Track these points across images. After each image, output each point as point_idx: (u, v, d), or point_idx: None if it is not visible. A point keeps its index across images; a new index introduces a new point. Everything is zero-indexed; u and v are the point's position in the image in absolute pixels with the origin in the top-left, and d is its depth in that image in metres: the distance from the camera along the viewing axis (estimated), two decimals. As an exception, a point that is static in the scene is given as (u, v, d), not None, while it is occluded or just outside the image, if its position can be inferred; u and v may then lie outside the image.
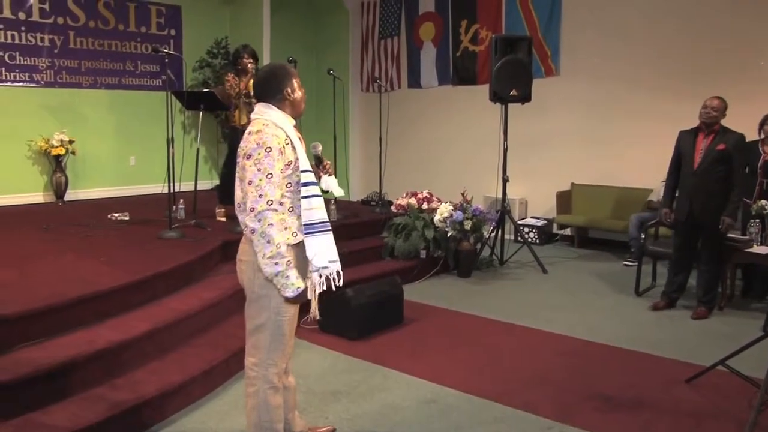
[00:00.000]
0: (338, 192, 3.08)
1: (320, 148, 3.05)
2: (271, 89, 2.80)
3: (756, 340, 3.82)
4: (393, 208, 7.42)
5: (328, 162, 3.07)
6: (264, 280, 2.71)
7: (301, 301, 2.77)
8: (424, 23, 10.31)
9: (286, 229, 2.72)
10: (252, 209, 2.60)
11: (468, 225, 6.73)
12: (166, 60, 6.01)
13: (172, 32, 9.56)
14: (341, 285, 2.87)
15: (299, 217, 2.75)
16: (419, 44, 10.38)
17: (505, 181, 7.34)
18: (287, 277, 2.64)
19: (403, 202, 7.23)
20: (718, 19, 7.42)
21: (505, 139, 7.29)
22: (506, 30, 9.16)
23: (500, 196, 7.42)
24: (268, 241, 2.59)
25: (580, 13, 8.57)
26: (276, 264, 2.61)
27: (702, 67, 7.45)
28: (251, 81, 6.26)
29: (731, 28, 7.31)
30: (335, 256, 2.82)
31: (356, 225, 7.15)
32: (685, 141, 5.58)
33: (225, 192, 6.53)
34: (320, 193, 2.80)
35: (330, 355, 4.64)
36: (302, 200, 2.72)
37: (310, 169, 2.78)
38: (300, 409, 3.63)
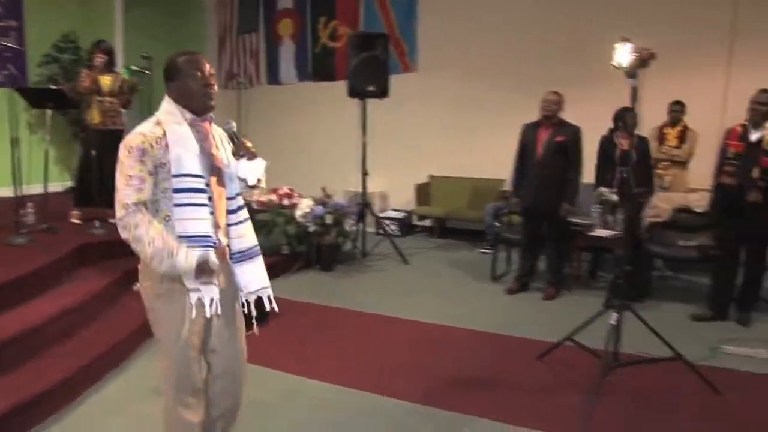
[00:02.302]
0: (253, 180, 2.61)
1: (234, 125, 2.63)
2: (165, 81, 2.52)
3: (596, 315, 4.14)
4: (254, 204, 7.35)
5: (247, 142, 2.64)
6: (150, 293, 2.49)
7: (207, 268, 2.37)
8: (283, 19, 10.29)
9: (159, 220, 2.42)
10: (119, 220, 2.35)
11: (329, 219, 6.79)
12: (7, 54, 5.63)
13: (13, 23, 8.93)
14: (215, 314, 2.50)
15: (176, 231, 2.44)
16: (278, 40, 10.35)
17: (364, 175, 7.46)
18: (176, 265, 2.33)
19: (263, 198, 7.17)
20: (565, 18, 7.92)
21: (364, 134, 7.41)
22: (364, 27, 9.33)
23: (361, 189, 7.54)
24: (140, 242, 2.32)
25: (437, 12, 8.88)
26: (161, 262, 2.33)
27: (551, 62, 7.91)
28: (103, 78, 6.01)
29: (577, 25, 7.81)
30: (210, 278, 2.44)
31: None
32: (528, 133, 5.94)
33: (80, 194, 6.22)
34: (203, 202, 2.45)
35: (195, 355, 4.54)
36: (174, 208, 2.40)
37: (194, 173, 2.42)
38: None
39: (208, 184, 2.49)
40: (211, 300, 2.46)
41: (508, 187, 7.99)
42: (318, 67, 9.97)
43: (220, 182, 2.57)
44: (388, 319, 5.39)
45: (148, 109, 6.47)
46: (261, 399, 3.76)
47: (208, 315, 2.48)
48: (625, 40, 3.71)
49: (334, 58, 9.75)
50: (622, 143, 5.91)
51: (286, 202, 7.01)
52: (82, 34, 9.18)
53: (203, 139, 2.51)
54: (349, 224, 7.22)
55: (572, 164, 5.79)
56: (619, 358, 3.91)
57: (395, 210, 9.28)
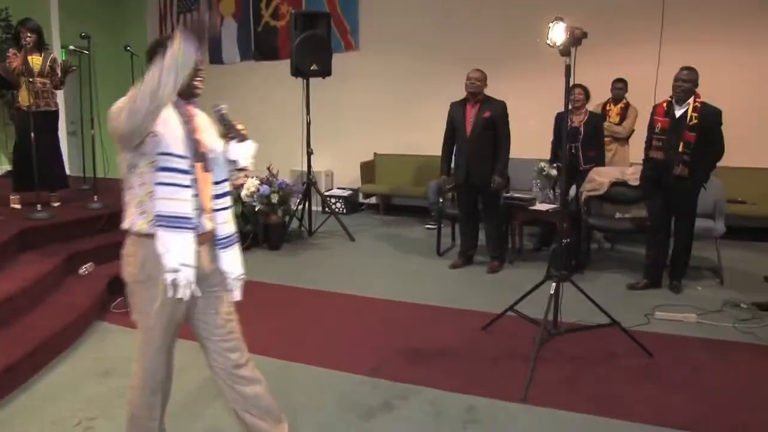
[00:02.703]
0: (245, 162, 2.57)
1: (224, 107, 2.58)
2: (149, 62, 2.36)
3: (536, 286, 4.30)
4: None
5: (238, 124, 2.59)
6: (131, 278, 2.44)
7: (197, 23, 2.18)
8: (225, -2, 10.15)
9: (142, 213, 2.36)
10: (119, 108, 2.21)
11: (275, 198, 6.83)
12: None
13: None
14: (189, 297, 2.45)
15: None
16: (220, 20, 10.21)
17: (309, 153, 7.50)
18: (178, 57, 2.14)
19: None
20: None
21: (308, 113, 7.43)
22: (306, 5, 9.32)
23: (306, 168, 7.58)
24: (141, 90, 2.16)
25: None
26: (169, 70, 2.14)
27: (490, 40, 8.07)
28: (33, 58, 5.86)
29: (515, 5, 7.96)
30: (190, 260, 2.40)
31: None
32: (456, 111, 6.09)
33: (19, 178, 6.07)
34: (186, 184, 2.38)
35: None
36: (156, 186, 2.33)
37: (178, 153, 2.36)
38: (119, 393, 3.58)
39: (192, 166, 2.43)
40: (187, 282, 2.41)
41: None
42: (261, 46, 9.91)
43: (206, 166, 2.52)
44: (335, 296, 5.48)
45: (90, 90, 6.38)
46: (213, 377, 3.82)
47: (180, 296, 2.41)
48: (558, 19, 3.83)
49: (277, 36, 9.71)
50: (573, 119, 6.10)
51: (231, 182, 7.00)
52: (15, 11, 8.89)
53: (187, 122, 2.48)
54: (294, 203, 7.26)
55: (501, 138, 5.96)
56: (559, 326, 4.09)
57: (341, 188, 9.35)
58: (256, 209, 6.78)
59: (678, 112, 5.22)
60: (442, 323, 4.79)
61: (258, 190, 6.75)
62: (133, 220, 2.39)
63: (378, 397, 3.58)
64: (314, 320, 4.90)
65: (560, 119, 6.16)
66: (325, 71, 7.36)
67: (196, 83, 2.50)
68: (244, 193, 6.75)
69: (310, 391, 3.68)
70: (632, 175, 6.08)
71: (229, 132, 2.57)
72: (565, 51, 3.84)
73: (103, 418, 3.34)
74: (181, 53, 2.15)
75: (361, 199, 9.45)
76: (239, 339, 2.78)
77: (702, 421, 3.27)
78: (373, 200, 9.42)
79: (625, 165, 6.68)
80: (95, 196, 6.26)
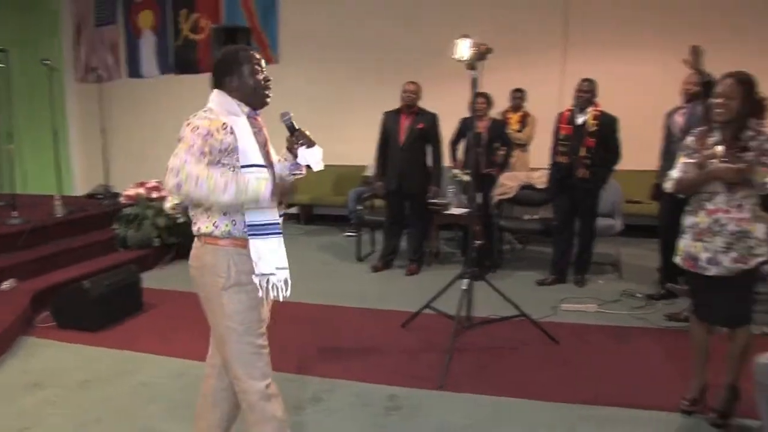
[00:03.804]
0: (318, 167, 2.64)
1: (291, 115, 2.65)
2: (216, 77, 2.56)
3: (450, 283, 4.64)
4: (122, 199, 7.35)
5: (304, 131, 2.67)
6: (211, 287, 2.47)
7: (286, 191, 2.51)
8: (142, 11, 10.13)
9: (225, 214, 2.44)
10: (169, 170, 2.25)
11: (200, 210, 6.90)
12: None
13: None
14: (288, 295, 2.58)
15: (244, 215, 2.45)
16: (138, 32, 10.18)
17: (232, 166, 7.60)
18: (246, 189, 2.30)
19: (131, 192, 7.19)
20: (410, 11, 8.43)
21: (229, 126, 7.55)
22: (226, 20, 9.40)
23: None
24: (197, 182, 2.22)
25: (297, 3, 9.16)
26: (224, 192, 2.26)
27: (408, 53, 8.42)
28: None
29: (429, 22, 8.34)
30: (284, 262, 2.54)
31: (84, 219, 7.00)
32: (390, 120, 6.36)
33: None
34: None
35: (73, 348, 4.59)
36: None
37: (260, 163, 2.45)
38: (50, 402, 3.69)
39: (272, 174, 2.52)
40: (286, 282, 2.55)
41: (369, 172, 8.44)
42: (180, 60, 9.94)
43: (272, 175, 2.58)
44: (261, 302, 5.63)
45: (7, 104, 6.34)
46: (150, 382, 3.97)
47: (280, 297, 2.56)
48: (465, 36, 4.16)
49: (197, 50, 9.78)
50: (478, 125, 6.45)
51: (154, 195, 7.07)
52: None
53: (257, 132, 2.57)
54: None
55: (435, 149, 6.30)
56: (472, 320, 4.42)
57: (263, 199, 9.46)
58: (180, 221, 6.85)
59: (579, 120, 5.67)
60: (365, 323, 5.05)
61: (181, 202, 6.83)
62: (216, 222, 2.43)
63: (307, 391, 3.80)
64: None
65: (464, 125, 6.46)
66: (246, 85, 7.50)
67: (267, 93, 2.59)
68: (167, 205, 6.82)
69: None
70: (539, 178, 6.51)
71: (298, 138, 2.64)
72: (471, 65, 4.17)
73: (36, 427, 3.41)
74: (253, 196, 2.32)
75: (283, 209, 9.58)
76: None
77: (600, 395, 3.65)
78: (294, 210, 9.59)
79: (526, 170, 7.12)
80: (14, 212, 6.24)
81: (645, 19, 7.81)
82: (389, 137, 6.35)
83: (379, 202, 7.56)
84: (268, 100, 2.61)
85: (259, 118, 2.64)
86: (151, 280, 6.14)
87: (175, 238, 6.94)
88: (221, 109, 2.47)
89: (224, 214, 2.43)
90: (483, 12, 8.12)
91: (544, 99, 7.65)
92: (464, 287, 4.34)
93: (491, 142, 6.41)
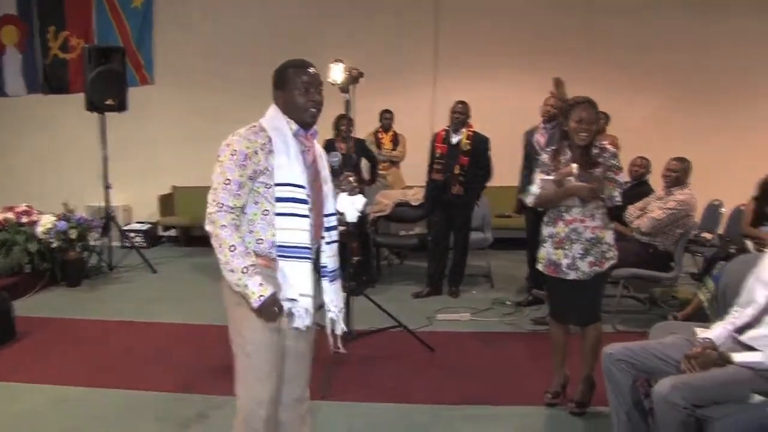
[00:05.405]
0: (351, 217, 2.60)
1: (339, 158, 2.59)
2: (274, 88, 2.53)
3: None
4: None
5: (350, 176, 2.61)
6: (231, 300, 2.43)
7: (271, 314, 2.35)
8: (5, 26, 9.61)
9: (251, 232, 2.42)
10: (209, 214, 2.34)
11: (74, 234, 6.74)
12: None
13: None
14: (309, 324, 2.52)
15: (273, 234, 2.40)
16: (1, 49, 9.69)
17: (107, 188, 7.49)
18: (246, 285, 2.28)
19: (-1, 217, 6.91)
20: (288, 31, 8.66)
21: (104, 148, 7.43)
22: (98, 39, 9.15)
23: (104, 203, 7.55)
24: (221, 245, 2.29)
25: (172, 23, 9.12)
26: (231, 271, 2.29)
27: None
28: None
29: (305, 42, 8.52)
30: (308, 289, 2.45)
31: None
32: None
33: None
34: (304, 213, 2.40)
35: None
36: (276, 217, 2.38)
37: (297, 183, 2.40)
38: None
39: (309, 196, 2.44)
40: (307, 311, 2.46)
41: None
42: (50, 79, 9.54)
43: (319, 198, 2.55)
44: (137, 325, 5.60)
45: None
46: (31, 410, 3.89)
47: (298, 325, 2.46)
48: (338, 60, 4.36)
49: (67, 70, 9.46)
50: (342, 147, 6.66)
51: (24, 219, 6.80)
52: None
53: (306, 151, 2.50)
54: (94, 238, 7.20)
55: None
56: (353, 332, 4.59)
57: (140, 222, 9.30)
58: (53, 246, 6.66)
59: (454, 140, 6.03)
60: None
61: (54, 226, 6.64)
62: (242, 237, 2.38)
63: (193, 409, 3.85)
64: (117, 348, 5.00)
65: (328, 146, 6.62)
66: (121, 106, 7.42)
67: (312, 113, 2.48)
68: (40, 230, 6.60)
69: (130, 413, 3.86)
70: (414, 195, 6.80)
71: (340, 184, 2.57)
72: (344, 88, 4.37)
73: None
74: (242, 291, 2.30)
75: (160, 232, 9.47)
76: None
77: (472, 395, 3.96)
78: (173, 233, 9.48)
79: (400, 186, 7.43)
80: None
81: (508, 46, 8.39)
82: None
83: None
84: (311, 120, 2.50)
85: (311, 137, 2.56)
86: (23, 308, 5.89)
87: (48, 264, 6.72)
88: (271, 124, 2.47)
89: (250, 231, 2.43)
90: (357, 37, 8.42)
91: (415, 120, 8.03)
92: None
93: (359, 160, 6.67)
